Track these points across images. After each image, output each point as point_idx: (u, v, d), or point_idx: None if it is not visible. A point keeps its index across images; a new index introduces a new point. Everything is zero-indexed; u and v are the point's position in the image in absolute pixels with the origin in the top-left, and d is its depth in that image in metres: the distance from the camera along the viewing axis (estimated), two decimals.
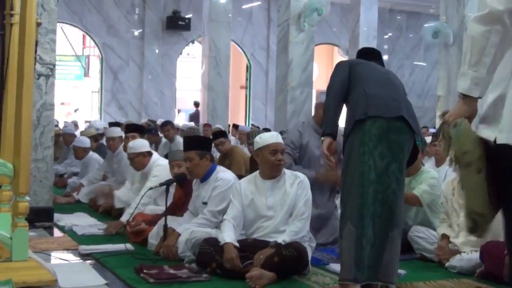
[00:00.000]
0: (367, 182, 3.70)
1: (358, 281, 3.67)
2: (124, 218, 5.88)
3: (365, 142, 3.75)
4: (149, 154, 6.38)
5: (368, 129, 3.76)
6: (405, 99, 4.01)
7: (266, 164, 4.69)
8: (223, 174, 5.16)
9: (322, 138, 4.02)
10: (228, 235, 4.55)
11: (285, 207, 4.63)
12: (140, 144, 6.43)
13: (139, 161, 6.32)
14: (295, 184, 4.66)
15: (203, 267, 4.55)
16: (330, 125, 4.06)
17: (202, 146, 5.22)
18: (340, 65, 4.21)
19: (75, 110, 21.34)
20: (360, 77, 4.01)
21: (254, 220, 4.73)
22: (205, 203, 5.08)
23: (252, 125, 16.46)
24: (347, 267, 3.70)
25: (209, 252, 4.57)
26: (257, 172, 4.83)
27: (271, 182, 4.72)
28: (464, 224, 3.35)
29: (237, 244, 4.52)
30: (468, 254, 4.80)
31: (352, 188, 3.77)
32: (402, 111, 3.83)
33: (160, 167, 6.18)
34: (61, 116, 19.59)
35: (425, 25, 10.82)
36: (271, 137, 4.75)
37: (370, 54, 4.34)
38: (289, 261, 4.31)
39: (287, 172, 4.77)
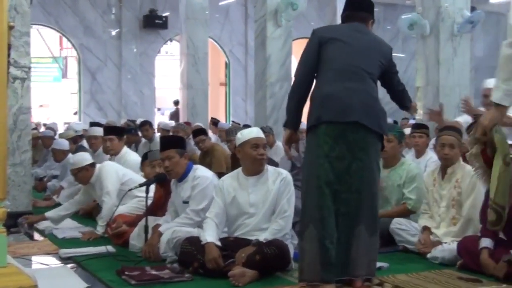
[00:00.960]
0: (324, 184, 3.72)
1: (326, 281, 3.72)
2: (99, 229, 5.84)
3: (320, 144, 3.76)
4: (92, 166, 6.21)
5: (322, 132, 3.77)
6: (364, 94, 3.90)
7: (248, 159, 4.66)
8: (201, 172, 5.14)
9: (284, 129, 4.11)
10: (210, 234, 4.53)
11: (267, 204, 4.61)
12: (81, 158, 6.25)
13: (83, 175, 6.17)
14: (278, 180, 4.64)
15: (185, 267, 4.52)
16: (292, 116, 4.11)
17: (180, 144, 5.20)
18: (309, 43, 4.09)
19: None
20: (324, 62, 3.96)
21: (236, 217, 4.71)
22: (186, 202, 5.06)
23: (232, 121, 16.42)
24: (312, 268, 3.75)
25: (190, 251, 4.55)
26: (240, 169, 4.81)
27: (254, 179, 4.70)
28: (490, 217, 3.54)
29: (219, 243, 4.49)
30: (450, 245, 4.81)
31: (310, 190, 3.80)
32: (355, 114, 3.78)
33: (106, 172, 6.12)
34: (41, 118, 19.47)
35: (402, 16, 10.83)
36: (252, 132, 4.73)
37: (356, 9, 4.20)
38: (271, 259, 4.30)
39: (270, 168, 4.75)
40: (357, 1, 4.20)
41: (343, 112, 3.77)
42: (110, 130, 7.54)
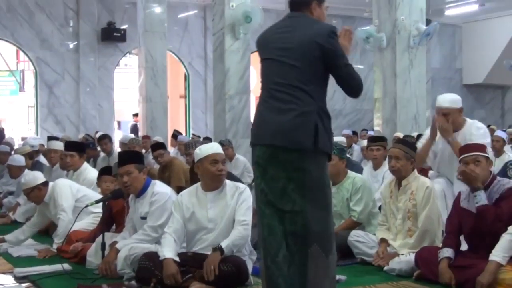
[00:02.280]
0: (264, 205, 3.54)
1: None
2: (56, 246, 5.76)
3: (257, 164, 3.58)
4: (45, 184, 6.12)
5: (257, 154, 3.57)
6: (290, 112, 3.48)
7: (207, 175, 4.65)
8: (159, 188, 5.11)
9: None
10: (168, 250, 4.50)
11: (225, 219, 4.61)
12: (33, 177, 6.14)
13: (35, 195, 6.07)
14: (236, 195, 4.64)
15: (143, 283, 4.49)
16: None
17: (138, 159, 5.17)
18: None
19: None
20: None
21: (195, 233, 4.70)
22: (143, 218, 5.02)
23: (192, 134, 16.38)
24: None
25: (148, 267, 4.52)
26: (198, 184, 4.79)
27: (213, 194, 4.68)
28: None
29: (177, 259, 4.47)
30: (406, 256, 4.87)
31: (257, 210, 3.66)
32: (276, 138, 3.47)
33: (59, 189, 6.06)
34: None
35: (358, 29, 10.95)
36: (211, 148, 4.73)
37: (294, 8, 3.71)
38: (227, 276, 4.30)
39: (228, 183, 4.74)
40: (294, 4, 3.72)
41: (268, 135, 3.52)
42: (71, 145, 7.45)
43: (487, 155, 4.53)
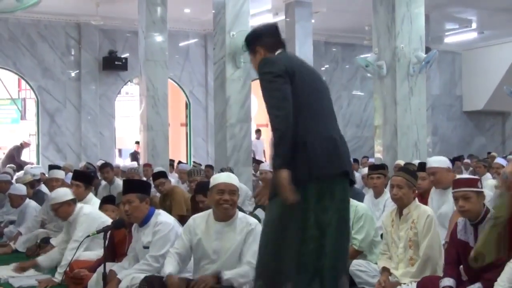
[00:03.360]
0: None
1: None
2: (58, 276, 5.75)
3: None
4: (74, 202, 6.20)
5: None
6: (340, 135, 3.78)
7: (213, 204, 4.63)
8: (163, 217, 5.10)
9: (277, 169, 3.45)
10: (171, 268, 4.49)
11: (229, 253, 4.58)
12: (63, 193, 6.23)
13: (64, 210, 6.13)
14: (245, 231, 4.59)
15: None
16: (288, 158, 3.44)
17: (142, 189, 5.16)
18: (277, 80, 3.52)
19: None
20: (299, 107, 3.49)
21: (199, 260, 4.70)
22: (146, 248, 5.00)
23: (194, 162, 16.38)
24: None
25: None
26: (211, 211, 4.77)
27: (221, 225, 4.65)
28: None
29: (181, 276, 4.45)
30: (408, 286, 4.84)
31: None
32: (346, 163, 3.63)
33: (85, 216, 6.06)
34: None
35: (357, 57, 11.03)
36: (221, 177, 4.70)
37: (278, 38, 3.78)
38: None
39: (240, 216, 4.69)
40: (275, 33, 3.83)
41: (333, 164, 3.56)
42: (79, 175, 7.36)
43: (477, 189, 4.43)
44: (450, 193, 5.32)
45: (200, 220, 4.76)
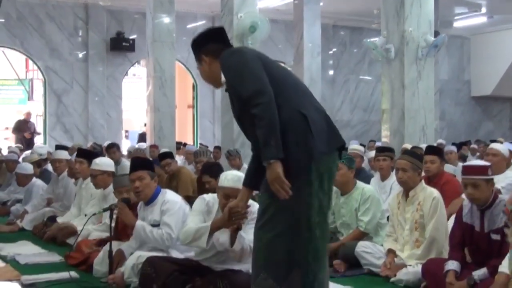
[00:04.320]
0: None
1: None
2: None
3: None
4: (112, 175, 6.34)
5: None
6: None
7: (220, 205, 4.45)
8: (170, 196, 5.10)
9: (271, 161, 3.11)
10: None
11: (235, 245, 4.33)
12: (106, 162, 6.49)
13: (103, 179, 6.33)
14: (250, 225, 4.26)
15: None
16: (279, 143, 3.13)
17: (150, 167, 5.18)
18: (248, 58, 3.32)
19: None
20: (279, 83, 3.27)
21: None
22: (154, 225, 4.95)
23: (200, 144, 16.39)
24: None
25: (150, 273, 4.49)
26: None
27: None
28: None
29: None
30: (414, 268, 4.85)
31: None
32: (340, 136, 3.38)
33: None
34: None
35: (365, 40, 10.97)
36: (229, 180, 4.35)
37: (225, 43, 3.52)
38: None
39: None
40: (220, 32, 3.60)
41: (333, 137, 3.33)
42: (82, 153, 7.47)
43: (487, 177, 4.35)
44: None
45: (213, 201, 4.57)
